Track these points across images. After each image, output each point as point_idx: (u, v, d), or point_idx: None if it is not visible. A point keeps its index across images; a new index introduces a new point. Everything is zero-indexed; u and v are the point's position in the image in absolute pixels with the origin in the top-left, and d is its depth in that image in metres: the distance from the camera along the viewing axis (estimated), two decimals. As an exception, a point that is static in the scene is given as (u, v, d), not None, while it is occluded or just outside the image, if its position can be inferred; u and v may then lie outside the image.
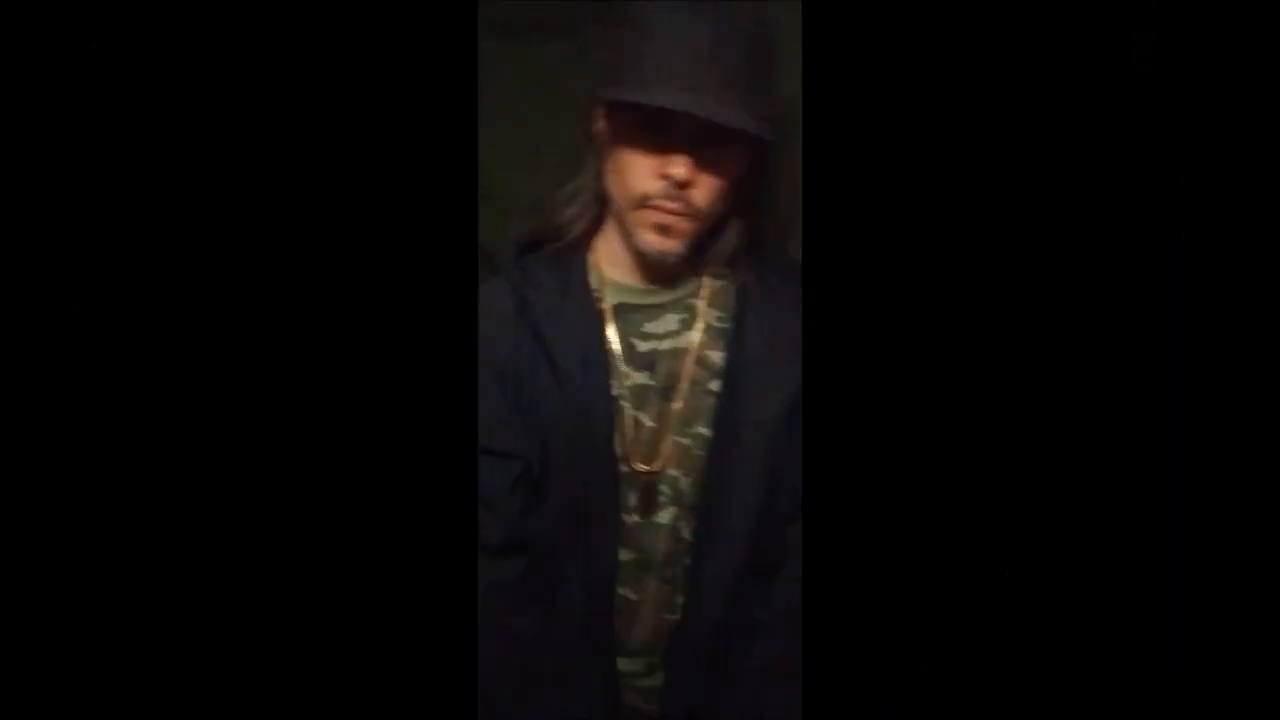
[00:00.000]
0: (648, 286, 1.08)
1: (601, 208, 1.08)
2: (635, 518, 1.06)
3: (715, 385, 1.06)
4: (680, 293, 1.08)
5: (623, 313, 1.07)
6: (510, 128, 1.31)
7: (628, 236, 1.05)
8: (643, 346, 1.07)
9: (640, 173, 1.01)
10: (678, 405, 1.05)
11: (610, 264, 1.09)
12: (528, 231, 1.13)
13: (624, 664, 1.08)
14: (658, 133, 0.99)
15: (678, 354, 1.06)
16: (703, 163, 1.00)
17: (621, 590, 1.06)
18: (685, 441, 1.06)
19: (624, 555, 1.06)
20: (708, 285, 1.09)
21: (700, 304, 1.08)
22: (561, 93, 1.32)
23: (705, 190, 1.02)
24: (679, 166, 0.99)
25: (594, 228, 1.10)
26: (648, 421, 1.05)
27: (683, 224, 1.02)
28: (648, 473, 1.04)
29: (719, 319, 1.08)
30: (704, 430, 1.05)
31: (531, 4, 1.35)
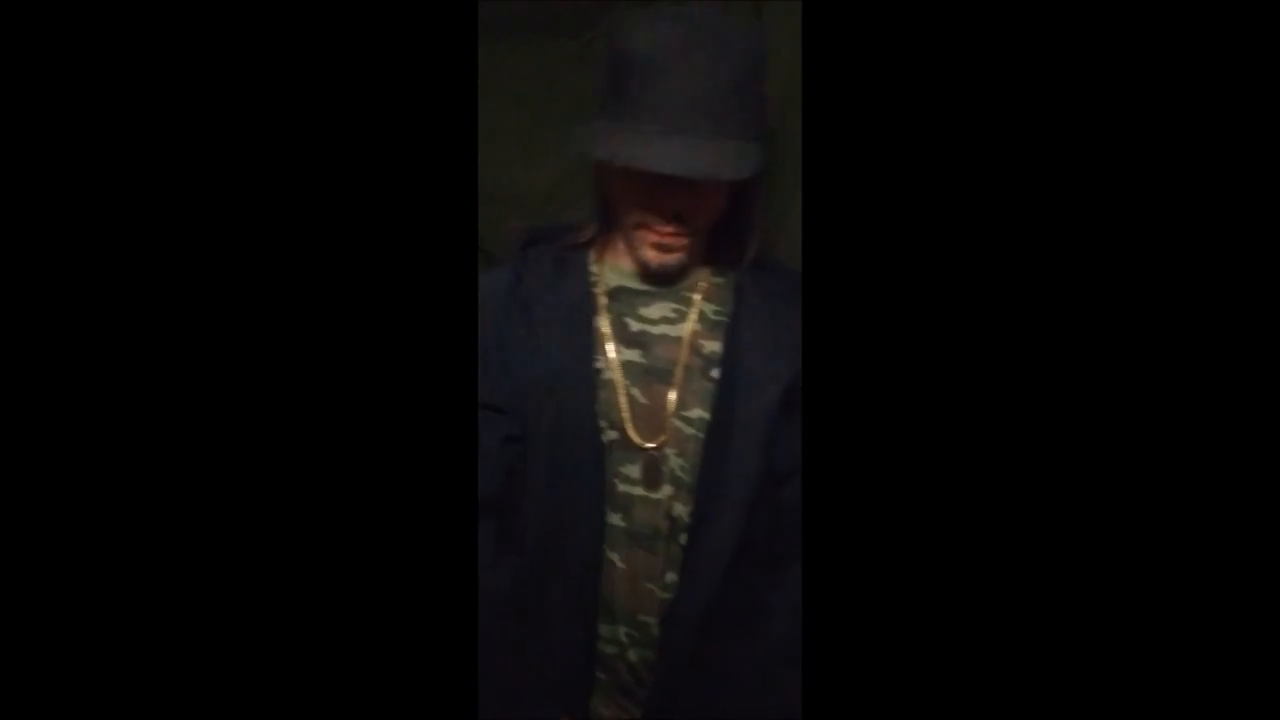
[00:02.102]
0: (647, 283, 1.13)
1: (605, 221, 1.14)
2: (639, 490, 1.08)
3: (714, 373, 1.09)
4: (678, 287, 1.13)
5: (617, 296, 1.12)
6: (510, 128, 1.32)
7: (630, 246, 1.11)
8: (635, 327, 1.11)
9: (636, 203, 1.07)
10: (674, 388, 1.09)
11: (613, 257, 1.14)
12: (534, 229, 1.18)
13: (605, 630, 1.09)
14: (650, 173, 1.03)
15: (672, 340, 1.10)
16: (697, 192, 1.05)
17: (610, 555, 1.08)
18: (681, 424, 1.08)
19: (614, 520, 1.08)
20: (705, 281, 1.13)
21: (697, 298, 1.12)
22: (561, 93, 1.32)
23: (702, 213, 1.08)
24: (672, 201, 1.05)
25: (600, 233, 1.15)
26: (642, 399, 1.09)
27: (681, 241, 1.08)
28: (650, 449, 1.08)
29: (715, 312, 1.12)
30: (702, 414, 1.08)
31: (531, 4, 1.35)
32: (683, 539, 1.07)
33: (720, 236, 1.12)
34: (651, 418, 1.08)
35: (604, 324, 1.11)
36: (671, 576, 1.07)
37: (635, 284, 1.13)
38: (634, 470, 1.08)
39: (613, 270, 1.14)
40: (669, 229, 1.07)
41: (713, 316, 1.12)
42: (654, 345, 1.10)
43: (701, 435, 1.07)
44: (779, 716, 1.06)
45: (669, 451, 1.08)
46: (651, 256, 1.09)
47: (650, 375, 1.10)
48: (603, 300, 1.12)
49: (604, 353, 1.10)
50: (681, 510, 1.07)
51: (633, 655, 1.08)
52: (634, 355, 1.10)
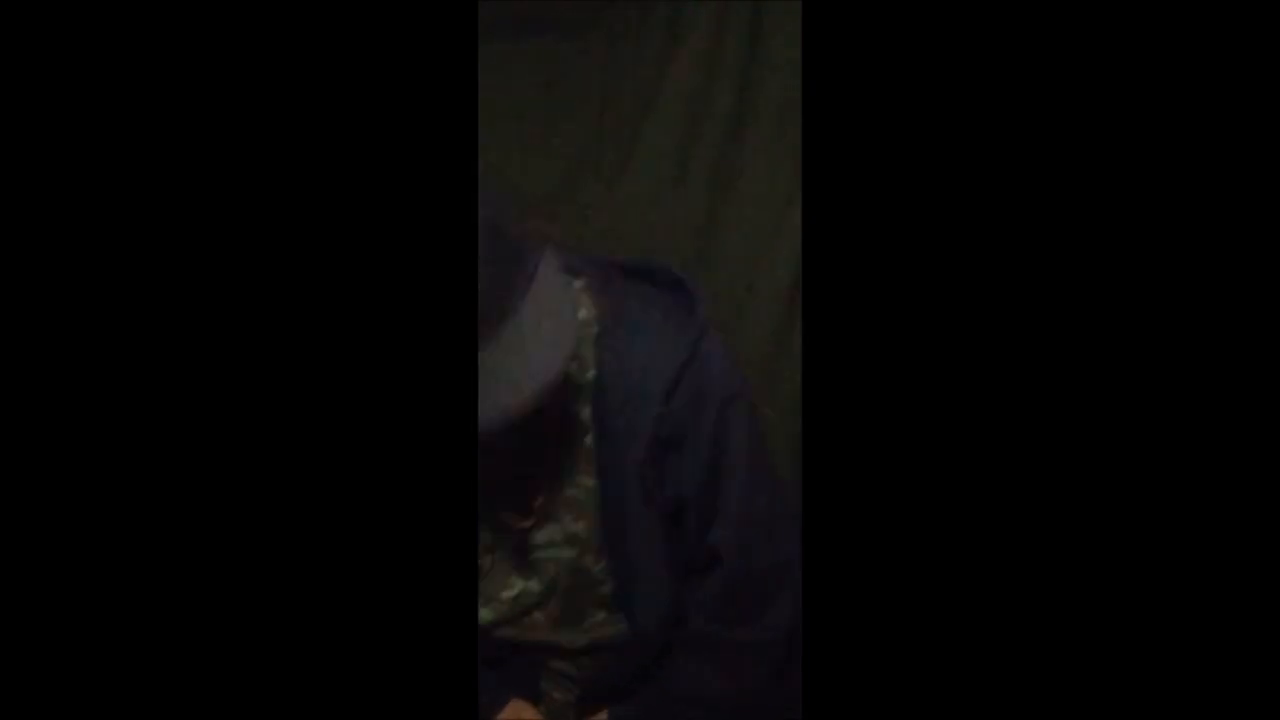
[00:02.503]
0: None
1: None
2: (546, 553, 1.09)
3: (589, 439, 1.07)
4: None
5: None
6: (510, 128, 1.32)
7: None
8: None
9: None
10: (557, 460, 1.07)
11: None
12: None
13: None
14: None
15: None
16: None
17: (534, 616, 1.11)
18: (573, 492, 1.08)
19: (531, 585, 1.10)
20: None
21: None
22: (561, 92, 1.32)
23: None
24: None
25: None
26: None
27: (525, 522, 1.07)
28: (524, 526, 1.08)
29: (579, 372, 1.06)
30: (586, 480, 1.08)
31: (531, 4, 1.36)
32: (605, 588, 1.10)
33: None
34: (534, 494, 1.08)
35: None
36: (600, 615, 1.11)
37: None
38: (538, 536, 1.09)
39: None
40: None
41: (581, 379, 1.06)
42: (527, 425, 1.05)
43: (593, 501, 1.08)
44: (699, 697, 1.11)
45: (566, 517, 1.08)
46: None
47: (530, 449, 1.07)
48: None
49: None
50: (594, 566, 1.09)
51: (562, 665, 1.13)
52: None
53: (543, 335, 0.93)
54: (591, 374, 1.06)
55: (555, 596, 1.11)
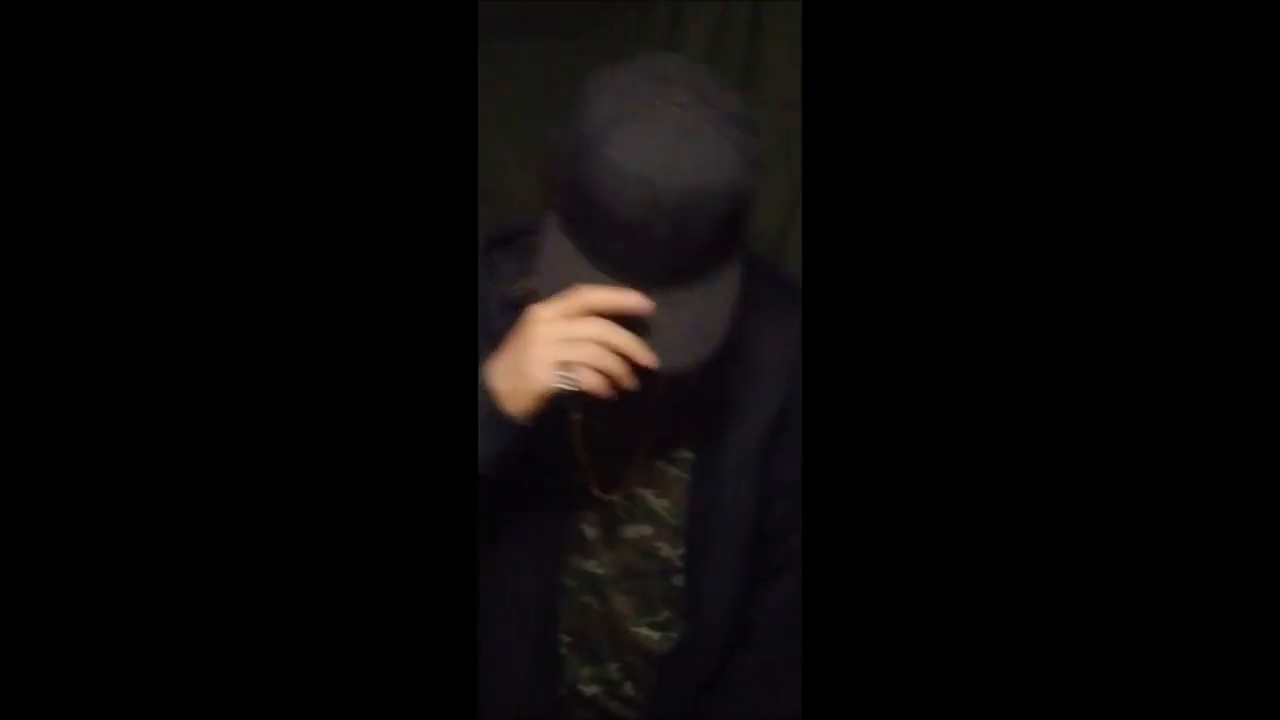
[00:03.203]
0: None
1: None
2: (596, 531, 1.04)
3: (695, 411, 1.03)
4: None
5: None
6: (510, 128, 1.32)
7: None
8: None
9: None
10: (650, 430, 1.01)
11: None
12: (498, 230, 1.07)
13: (588, 670, 1.07)
14: None
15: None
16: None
17: (583, 599, 1.05)
18: (664, 465, 1.03)
19: (589, 566, 1.04)
20: None
21: None
22: (561, 93, 1.32)
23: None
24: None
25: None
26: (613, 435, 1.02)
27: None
28: (605, 500, 1.01)
29: None
30: (686, 454, 1.03)
31: (531, 4, 1.36)
32: (676, 580, 1.04)
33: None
34: (621, 460, 1.02)
35: None
36: (665, 614, 1.05)
37: None
38: (597, 516, 1.03)
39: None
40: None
41: None
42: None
43: (687, 476, 1.03)
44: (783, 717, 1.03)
45: (644, 491, 1.03)
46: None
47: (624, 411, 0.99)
48: None
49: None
50: (670, 552, 1.04)
51: (628, 689, 1.07)
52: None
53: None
54: None
55: (629, 580, 1.05)
